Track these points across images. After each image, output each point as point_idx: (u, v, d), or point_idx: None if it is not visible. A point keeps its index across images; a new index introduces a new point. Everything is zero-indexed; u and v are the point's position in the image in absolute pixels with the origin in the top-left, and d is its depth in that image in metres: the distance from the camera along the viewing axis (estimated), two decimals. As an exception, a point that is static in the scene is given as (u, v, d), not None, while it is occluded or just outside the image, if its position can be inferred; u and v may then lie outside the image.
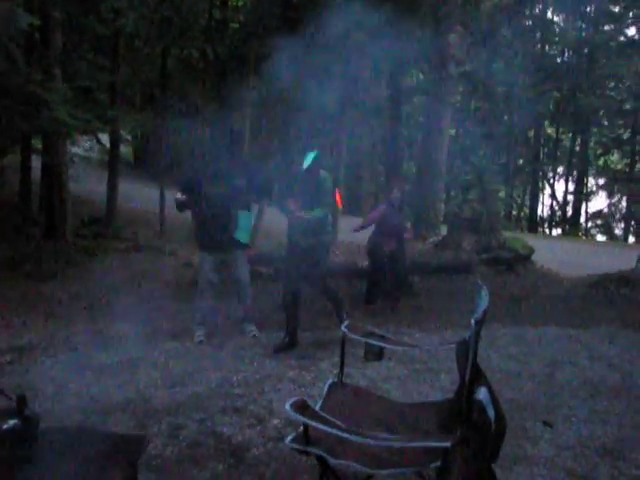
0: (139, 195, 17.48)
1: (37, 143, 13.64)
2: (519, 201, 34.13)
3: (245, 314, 6.59)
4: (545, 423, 4.35)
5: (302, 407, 2.55)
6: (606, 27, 27.90)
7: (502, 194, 23.79)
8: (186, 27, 12.63)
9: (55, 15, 10.74)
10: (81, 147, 13.85)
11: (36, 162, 13.47)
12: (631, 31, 28.37)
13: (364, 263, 10.57)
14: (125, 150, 24.03)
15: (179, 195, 6.20)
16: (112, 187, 15.14)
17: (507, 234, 14.26)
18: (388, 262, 8.35)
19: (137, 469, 2.88)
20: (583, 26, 28.93)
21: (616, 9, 26.20)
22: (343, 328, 3.38)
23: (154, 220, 15.35)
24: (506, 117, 31.04)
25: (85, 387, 4.94)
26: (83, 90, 12.39)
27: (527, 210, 34.01)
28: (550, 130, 34.16)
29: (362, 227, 8.49)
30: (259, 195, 7.29)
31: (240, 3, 17.24)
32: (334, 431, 2.46)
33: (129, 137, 22.70)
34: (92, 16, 12.57)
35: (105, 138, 16.00)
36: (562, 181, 34.47)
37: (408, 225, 9.28)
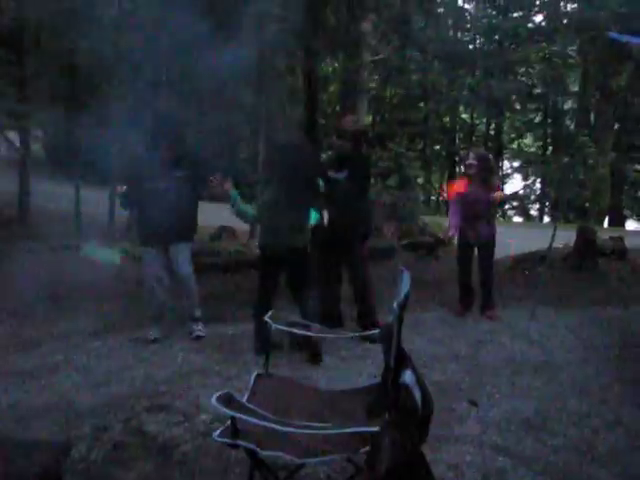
0: (53, 194, 16.96)
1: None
2: (437, 186, 34.69)
3: (190, 311, 6.30)
4: (470, 402, 4.43)
5: (228, 400, 2.51)
6: (515, 14, 28.59)
7: (421, 180, 24.16)
8: (94, 19, 12.26)
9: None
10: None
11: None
12: (538, 18, 29.12)
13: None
14: (36, 147, 23.26)
15: (121, 190, 6.17)
16: (24, 186, 14.64)
17: (427, 219, 14.48)
18: None
19: (61, 476, 2.79)
20: (493, 13, 29.53)
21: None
22: (266, 318, 3.35)
23: (70, 219, 14.93)
24: (422, 104, 31.54)
25: (2, 394, 4.76)
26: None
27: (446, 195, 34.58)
28: (465, 115, 34.82)
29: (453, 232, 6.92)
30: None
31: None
32: (261, 422, 2.43)
33: (39, 134, 21.97)
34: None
35: (14, 135, 15.45)
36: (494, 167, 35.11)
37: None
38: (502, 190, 6.97)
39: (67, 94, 15.60)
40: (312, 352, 5.37)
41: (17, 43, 14.06)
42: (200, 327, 6.25)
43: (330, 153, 6.98)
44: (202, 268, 9.11)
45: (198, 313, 6.28)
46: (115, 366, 5.33)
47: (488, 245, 6.78)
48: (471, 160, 6.68)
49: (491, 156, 7.36)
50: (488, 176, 6.70)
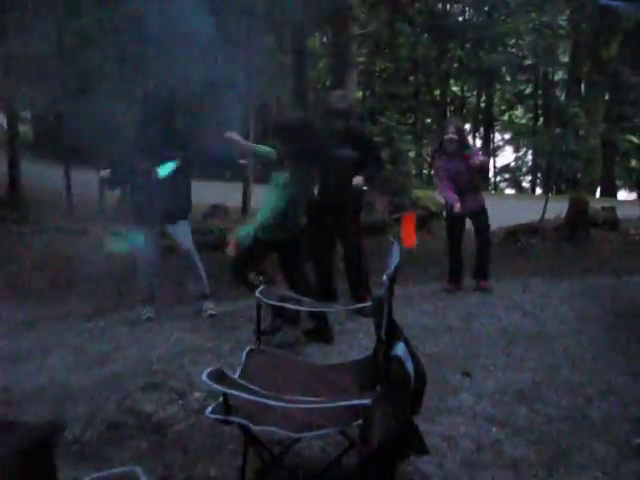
0: (43, 175, 16.87)
1: None
2: (429, 159, 34.63)
3: (199, 289, 6.17)
4: (464, 373, 4.43)
5: (220, 376, 2.50)
6: (504, -15, 28.40)
7: (412, 154, 24.09)
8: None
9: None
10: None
11: None
12: (528, -13, 28.94)
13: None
14: (24, 129, 23.10)
15: (103, 173, 6.00)
16: (13, 168, 14.54)
17: (419, 193, 14.45)
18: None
19: (54, 458, 2.77)
20: (482, -16, 29.31)
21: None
22: (257, 294, 3.33)
23: (60, 201, 14.86)
24: (411, 77, 31.38)
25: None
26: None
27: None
28: (455, 88, 34.68)
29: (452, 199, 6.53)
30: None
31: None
32: (253, 398, 2.42)
33: (27, 115, 21.81)
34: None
35: (1, 117, 15.33)
36: (469, 138, 35.12)
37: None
38: (480, 156, 6.70)
39: (55, 74, 15.43)
40: (323, 330, 5.27)
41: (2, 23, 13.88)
42: (212, 305, 6.12)
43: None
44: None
45: (207, 290, 6.16)
46: (108, 347, 5.31)
47: (481, 215, 6.70)
48: (451, 135, 6.43)
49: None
50: (466, 147, 6.62)
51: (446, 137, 6.45)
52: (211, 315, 6.00)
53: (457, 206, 6.39)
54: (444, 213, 6.88)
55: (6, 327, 6.17)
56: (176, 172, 5.90)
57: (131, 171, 5.94)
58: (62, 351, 5.30)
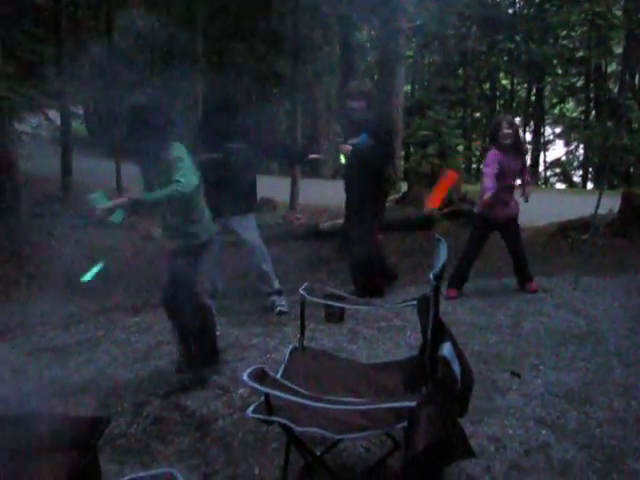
0: (95, 170, 17.12)
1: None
2: (478, 154, 34.25)
3: (269, 284, 6.05)
4: (513, 373, 4.34)
5: (261, 376, 2.47)
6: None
7: (461, 148, 23.83)
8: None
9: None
10: (29, 124, 13.43)
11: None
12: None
13: (325, 223, 10.51)
14: (77, 125, 23.49)
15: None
16: (66, 164, 14.78)
17: (468, 187, 14.26)
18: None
19: (96, 451, 2.78)
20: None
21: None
22: (301, 291, 3.30)
23: (112, 194, 15.03)
24: (460, 70, 31.03)
25: (43, 370, 4.80)
26: (26, 65, 11.96)
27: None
28: (505, 81, 34.20)
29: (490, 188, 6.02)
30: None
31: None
32: (294, 398, 2.38)
33: (80, 111, 22.20)
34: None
35: (55, 114, 15.58)
36: (520, 132, 34.61)
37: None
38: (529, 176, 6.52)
39: (106, 71, 15.67)
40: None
41: (54, 22, 14.12)
42: (283, 301, 6.01)
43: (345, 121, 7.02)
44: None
45: (277, 285, 6.04)
46: (154, 341, 5.34)
47: (515, 219, 6.42)
48: (506, 130, 6.18)
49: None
50: (520, 145, 6.43)
51: (501, 132, 6.18)
52: (281, 312, 5.90)
53: (490, 195, 5.92)
54: (475, 209, 6.64)
55: (56, 321, 6.25)
56: (241, 164, 5.80)
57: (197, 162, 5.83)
58: (108, 345, 5.34)
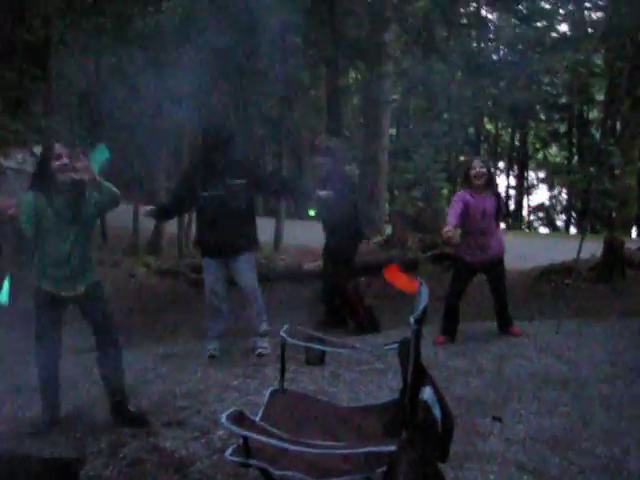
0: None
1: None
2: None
3: (257, 325, 5.98)
4: (494, 418, 4.31)
5: (239, 418, 2.44)
6: (538, 24, 28.36)
7: (445, 191, 24.00)
8: (118, 33, 12.36)
9: (-20, 25, 10.38)
10: (14, 160, 13.43)
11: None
12: (563, 27, 28.93)
13: (308, 265, 10.50)
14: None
15: (146, 209, 6.05)
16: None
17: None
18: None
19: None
20: (517, 23, 29.33)
21: (548, 6, 26.69)
22: (282, 333, 3.28)
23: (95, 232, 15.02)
24: (445, 115, 31.38)
25: (18, 409, 4.72)
26: (14, 101, 12.00)
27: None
28: (489, 126, 34.63)
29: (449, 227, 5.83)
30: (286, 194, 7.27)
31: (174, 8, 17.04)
32: (273, 441, 2.35)
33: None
34: (19, 24, 12.20)
35: (40, 149, 15.60)
36: (503, 176, 35.01)
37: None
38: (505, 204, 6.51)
39: (93, 109, 15.73)
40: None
41: (43, 59, 14.22)
42: (266, 344, 5.93)
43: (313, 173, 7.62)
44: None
45: (265, 327, 5.97)
46: (133, 380, 5.27)
47: (499, 262, 6.33)
48: (479, 168, 6.09)
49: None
50: (493, 185, 6.36)
51: (473, 171, 6.11)
52: (261, 354, 5.84)
53: (448, 229, 5.73)
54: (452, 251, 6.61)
55: (32, 359, 6.15)
56: (243, 201, 5.76)
57: (197, 198, 5.78)
58: (86, 383, 5.27)
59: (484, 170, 6.12)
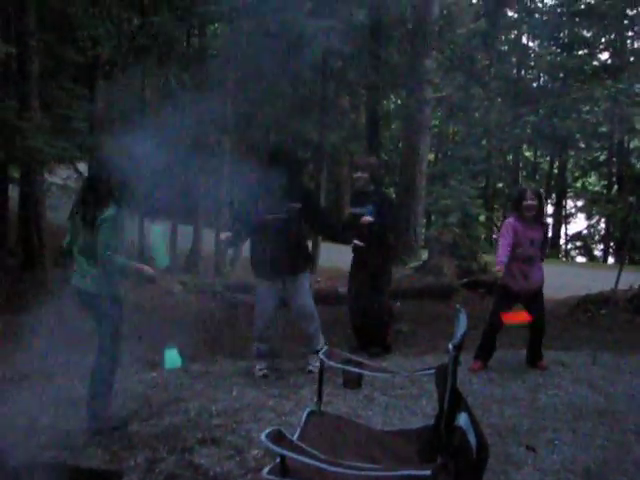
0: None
1: (14, 172, 13.54)
2: (500, 225, 34.25)
3: (312, 344, 6.08)
4: (528, 447, 4.30)
5: (278, 437, 2.49)
6: (580, 52, 28.26)
7: (482, 218, 23.91)
8: (163, 55, 12.62)
9: (32, 44, 10.67)
10: (59, 176, 13.73)
11: (13, 192, 13.34)
12: (604, 56, 28.79)
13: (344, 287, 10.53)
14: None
15: (224, 236, 6.14)
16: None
17: (488, 258, 14.28)
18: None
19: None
20: (557, 50, 29.24)
21: (589, 35, 26.63)
22: (321, 355, 3.33)
23: (133, 248, 15.21)
24: (484, 141, 31.30)
25: (59, 420, 4.82)
26: (61, 119, 12.30)
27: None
28: (528, 153, 34.44)
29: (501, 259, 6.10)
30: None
31: (218, 31, 17.35)
32: (311, 461, 2.40)
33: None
34: (69, 45, 12.55)
35: (84, 167, 15.89)
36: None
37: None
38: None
39: (136, 125, 16.00)
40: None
41: (89, 78, 14.58)
42: (317, 363, 6.04)
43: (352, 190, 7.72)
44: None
45: (319, 346, 5.83)
46: (170, 397, 5.36)
47: (539, 295, 6.32)
48: (530, 201, 6.11)
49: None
50: (542, 217, 6.40)
51: (525, 203, 6.12)
52: (311, 371, 5.96)
53: (500, 267, 6.04)
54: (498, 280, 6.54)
55: (75, 372, 6.26)
56: (300, 223, 5.96)
57: (251, 225, 5.93)
58: (125, 398, 5.34)
59: (535, 203, 6.15)
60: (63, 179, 13.92)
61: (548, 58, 28.89)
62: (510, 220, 6.23)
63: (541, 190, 7.86)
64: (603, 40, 27.37)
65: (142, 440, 4.42)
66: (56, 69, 12.81)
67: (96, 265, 4.57)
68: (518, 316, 6.10)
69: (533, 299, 6.29)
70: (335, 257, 14.59)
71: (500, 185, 33.38)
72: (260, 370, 6.03)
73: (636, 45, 27.57)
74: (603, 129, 29.74)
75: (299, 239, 5.99)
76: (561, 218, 32.91)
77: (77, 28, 12.87)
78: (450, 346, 2.56)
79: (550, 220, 31.04)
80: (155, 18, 11.97)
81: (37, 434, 4.50)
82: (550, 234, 6.58)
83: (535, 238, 6.18)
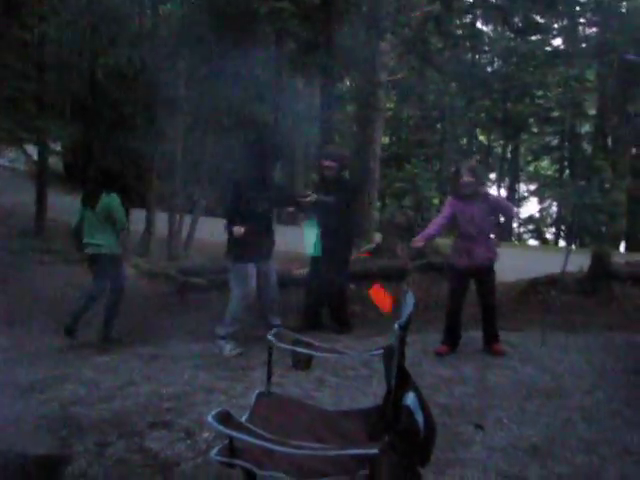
0: (70, 207, 17.06)
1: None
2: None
3: (271, 320, 6.58)
4: (477, 426, 4.36)
5: (226, 418, 2.48)
6: (533, 37, 28.58)
7: (436, 201, 24.13)
8: (114, 35, 12.39)
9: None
10: (6, 158, 13.44)
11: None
12: (557, 41, 29.16)
13: (298, 270, 10.52)
14: (54, 161, 23.43)
15: (237, 230, 6.32)
16: (40, 199, 14.74)
17: (442, 241, 14.40)
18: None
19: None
20: (511, 36, 29.54)
21: (542, 20, 26.94)
22: (270, 337, 3.32)
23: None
24: (438, 125, 31.55)
25: (5, 407, 4.73)
26: (7, 99, 12.01)
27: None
28: (482, 137, 34.81)
29: (421, 235, 6.29)
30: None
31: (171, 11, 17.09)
32: (259, 442, 2.40)
33: (58, 148, 22.15)
34: (13, 20, 12.19)
35: (32, 149, 15.57)
36: (494, 187, 35.19)
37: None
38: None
39: (86, 109, 15.72)
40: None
41: (37, 58, 14.24)
42: (278, 320, 6.60)
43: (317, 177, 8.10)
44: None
45: (277, 322, 6.49)
46: (121, 381, 5.30)
47: (487, 275, 6.30)
48: (466, 178, 6.07)
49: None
50: (482, 190, 6.29)
51: (461, 180, 6.11)
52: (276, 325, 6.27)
53: (416, 242, 6.24)
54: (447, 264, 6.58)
55: (20, 357, 6.18)
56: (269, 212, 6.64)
57: (244, 210, 6.37)
58: (74, 383, 5.28)
59: (472, 180, 6.12)
60: (10, 161, 13.62)
61: (502, 43, 29.18)
62: (449, 198, 6.32)
63: (477, 165, 7.89)
64: (556, 26, 27.70)
65: (92, 425, 4.36)
66: (1, 48, 12.48)
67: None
68: (382, 298, 5.99)
69: (485, 277, 6.32)
70: (289, 241, 14.61)
71: (453, 169, 33.69)
72: (233, 350, 6.24)
73: (587, 32, 27.95)
74: (555, 114, 30.23)
75: (271, 226, 6.73)
76: (514, 202, 33.34)
77: (22, 3, 12.51)
78: (396, 326, 2.58)
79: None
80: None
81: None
82: (512, 208, 6.69)
83: (475, 214, 6.13)
